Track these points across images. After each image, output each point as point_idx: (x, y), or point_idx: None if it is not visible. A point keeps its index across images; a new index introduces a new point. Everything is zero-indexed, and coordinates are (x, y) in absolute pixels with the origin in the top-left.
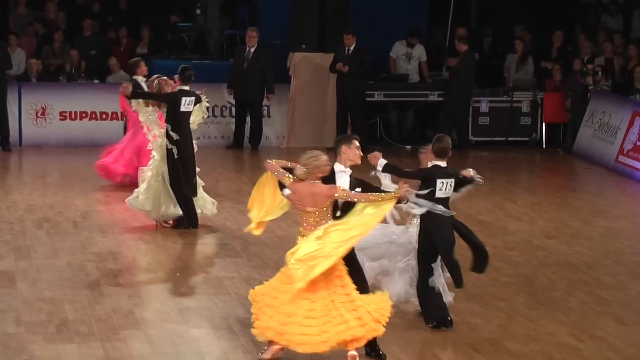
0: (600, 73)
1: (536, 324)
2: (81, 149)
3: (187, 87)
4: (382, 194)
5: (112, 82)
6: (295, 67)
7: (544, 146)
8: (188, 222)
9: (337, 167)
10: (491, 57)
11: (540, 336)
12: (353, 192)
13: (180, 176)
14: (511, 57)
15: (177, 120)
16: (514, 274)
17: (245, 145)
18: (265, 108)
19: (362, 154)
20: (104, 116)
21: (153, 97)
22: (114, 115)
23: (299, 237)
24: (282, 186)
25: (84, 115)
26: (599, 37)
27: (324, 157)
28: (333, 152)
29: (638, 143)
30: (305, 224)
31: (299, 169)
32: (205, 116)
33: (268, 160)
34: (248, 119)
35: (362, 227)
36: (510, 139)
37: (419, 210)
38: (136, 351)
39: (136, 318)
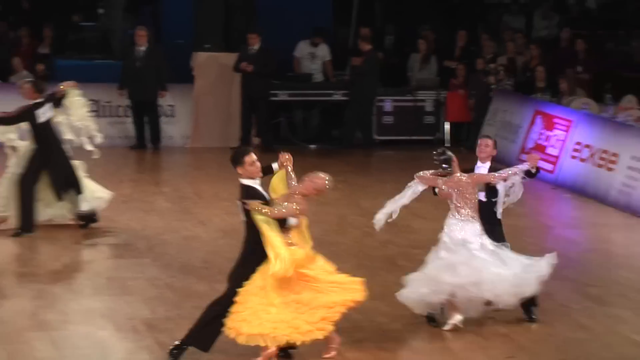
0: (502, 72)
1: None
2: None
3: (41, 99)
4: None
5: (15, 81)
6: (199, 67)
7: (447, 145)
8: (22, 226)
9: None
10: (395, 57)
11: (444, 334)
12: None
13: (32, 180)
14: (414, 57)
15: (39, 132)
16: None
17: (149, 145)
18: (170, 108)
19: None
20: None
21: (6, 122)
22: None
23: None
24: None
25: None
26: (504, 37)
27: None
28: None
29: (540, 141)
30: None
31: None
32: (86, 108)
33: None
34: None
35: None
36: (414, 137)
37: None
38: (40, 354)
39: (40, 320)
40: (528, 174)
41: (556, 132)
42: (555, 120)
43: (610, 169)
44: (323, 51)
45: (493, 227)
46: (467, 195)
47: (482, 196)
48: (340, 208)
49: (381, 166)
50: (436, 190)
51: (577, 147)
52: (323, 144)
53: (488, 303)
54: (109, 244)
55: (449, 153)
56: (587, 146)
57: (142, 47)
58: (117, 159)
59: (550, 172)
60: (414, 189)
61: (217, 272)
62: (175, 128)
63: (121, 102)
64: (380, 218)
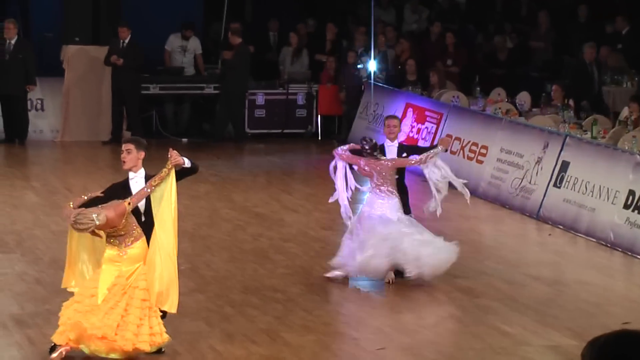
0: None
1: (312, 314)
2: None
3: None
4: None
5: None
6: (68, 60)
7: (319, 138)
8: None
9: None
10: (266, 51)
11: (317, 327)
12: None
13: None
14: (286, 50)
15: None
16: (290, 265)
17: (17, 139)
18: (39, 101)
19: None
20: None
21: None
22: None
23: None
24: None
25: None
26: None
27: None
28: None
29: (411, 134)
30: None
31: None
32: None
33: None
34: None
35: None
36: (286, 131)
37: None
38: None
39: None
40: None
41: (427, 124)
42: (427, 113)
43: (479, 162)
44: (194, 44)
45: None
46: (387, 175)
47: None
48: (211, 201)
49: (252, 159)
50: (355, 167)
51: (448, 139)
52: (194, 138)
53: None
54: None
55: (374, 141)
56: (458, 139)
57: (10, 40)
58: None
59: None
60: (340, 170)
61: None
62: (44, 122)
63: None
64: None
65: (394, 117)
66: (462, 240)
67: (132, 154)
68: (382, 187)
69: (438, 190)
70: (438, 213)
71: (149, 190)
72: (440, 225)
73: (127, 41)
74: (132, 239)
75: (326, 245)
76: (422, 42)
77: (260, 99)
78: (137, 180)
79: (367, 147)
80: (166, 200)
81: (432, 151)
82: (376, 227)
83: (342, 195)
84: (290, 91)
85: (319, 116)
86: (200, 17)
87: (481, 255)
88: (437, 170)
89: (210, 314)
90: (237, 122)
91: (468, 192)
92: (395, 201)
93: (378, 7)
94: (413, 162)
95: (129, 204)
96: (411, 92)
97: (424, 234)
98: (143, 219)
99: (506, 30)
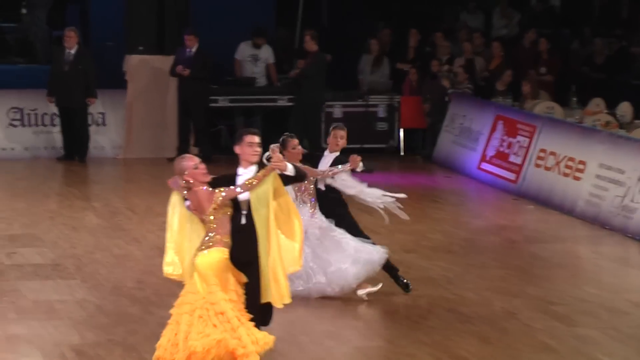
0: (462, 74)
1: (395, 344)
2: None
3: None
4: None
5: None
6: (131, 71)
7: (401, 153)
8: None
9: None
10: (344, 59)
11: (399, 358)
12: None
13: None
14: (365, 58)
15: None
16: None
17: (77, 156)
18: (100, 115)
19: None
20: None
21: None
22: None
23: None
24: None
25: None
26: (460, 37)
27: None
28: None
29: (501, 149)
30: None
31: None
32: None
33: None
34: None
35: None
36: (365, 146)
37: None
38: None
39: None
40: (354, 171)
41: (519, 138)
42: (518, 125)
43: (577, 178)
44: (266, 53)
45: (338, 214)
46: (305, 184)
47: (320, 185)
48: None
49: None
50: None
51: (542, 154)
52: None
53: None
54: (34, 264)
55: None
56: (552, 153)
57: (70, 50)
58: (43, 171)
59: (513, 181)
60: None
61: (152, 294)
62: (106, 137)
63: (47, 110)
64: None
65: (342, 127)
66: (558, 263)
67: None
68: (297, 194)
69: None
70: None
71: (241, 190)
72: (534, 248)
73: (194, 50)
74: (210, 243)
75: (409, 269)
76: (513, 48)
77: (337, 111)
78: (245, 177)
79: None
80: (263, 205)
81: (338, 167)
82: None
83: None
84: (370, 103)
85: (401, 130)
86: (272, 24)
87: (579, 280)
88: (349, 191)
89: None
90: (312, 136)
91: (403, 214)
92: (306, 209)
93: (465, 11)
94: (321, 174)
95: (223, 192)
96: (501, 103)
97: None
98: (244, 221)
99: (604, 35)
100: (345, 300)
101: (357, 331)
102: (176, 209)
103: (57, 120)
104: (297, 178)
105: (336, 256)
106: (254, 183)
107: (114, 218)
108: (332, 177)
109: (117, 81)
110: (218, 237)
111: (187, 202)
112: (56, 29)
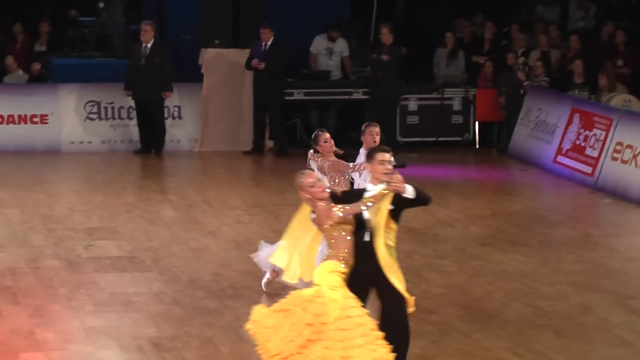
0: (538, 67)
1: (471, 338)
2: None
3: None
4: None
5: (10, 82)
6: (207, 65)
7: (477, 146)
8: None
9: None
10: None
11: (475, 351)
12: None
13: None
14: (440, 52)
15: None
16: (446, 284)
17: (154, 149)
18: (177, 109)
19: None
20: None
21: None
22: (10, 119)
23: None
24: None
25: None
26: (536, 29)
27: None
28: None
29: (577, 142)
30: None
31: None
32: None
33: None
34: None
35: None
36: (441, 139)
37: None
38: None
39: (37, 339)
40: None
41: (595, 131)
42: (595, 118)
43: None
44: (341, 46)
45: None
46: (341, 179)
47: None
48: None
49: (404, 170)
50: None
51: (619, 147)
52: (342, 147)
53: None
54: (111, 257)
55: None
56: (629, 147)
57: (147, 44)
58: (120, 164)
59: (589, 174)
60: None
61: (228, 287)
62: (182, 131)
63: (124, 103)
64: None
65: (377, 124)
66: (635, 257)
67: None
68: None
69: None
70: None
71: (358, 208)
72: (610, 241)
73: (269, 43)
74: (325, 257)
75: (485, 263)
76: (590, 41)
77: (412, 105)
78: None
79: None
80: (378, 224)
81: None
82: None
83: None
84: (445, 96)
85: (477, 123)
86: (347, 17)
87: None
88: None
89: None
90: (388, 129)
91: None
92: None
93: (541, 4)
94: (349, 167)
95: (340, 210)
96: (578, 96)
97: None
98: (367, 238)
99: None
100: (419, 294)
101: (432, 325)
102: (303, 219)
103: (134, 114)
104: (418, 201)
105: None
106: (372, 201)
107: (190, 211)
108: (359, 173)
109: (193, 75)
110: (334, 252)
111: (313, 215)
112: (133, 24)
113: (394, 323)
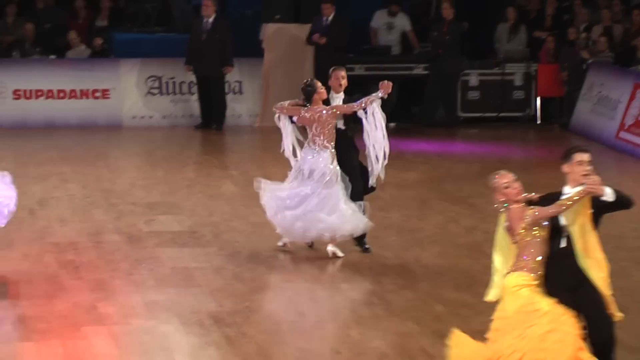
0: (601, 43)
1: None
2: (37, 130)
3: None
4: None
5: (73, 57)
6: (268, 40)
7: (538, 122)
8: None
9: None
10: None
11: None
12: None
13: None
14: (502, 27)
15: None
16: None
17: (214, 124)
18: (237, 84)
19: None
20: (61, 94)
21: None
22: (73, 94)
23: None
24: None
25: (39, 93)
26: (599, 4)
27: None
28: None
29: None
30: None
31: None
32: None
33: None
34: None
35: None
36: (502, 114)
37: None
38: (99, 349)
39: (99, 313)
40: (382, 100)
41: None
42: None
43: None
44: (402, 21)
45: (348, 154)
46: (326, 125)
47: (340, 124)
48: (421, 191)
49: (465, 145)
50: (294, 118)
51: None
52: (402, 122)
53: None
54: (172, 232)
55: (315, 86)
56: None
57: (208, 19)
58: (181, 139)
59: None
60: (282, 121)
61: (289, 262)
62: (243, 106)
63: (185, 78)
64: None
65: (343, 68)
66: None
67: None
68: (317, 139)
69: (377, 158)
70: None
71: (554, 211)
72: None
73: (330, 18)
74: (516, 266)
75: None
76: None
77: (473, 80)
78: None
79: (304, 89)
80: (575, 227)
81: (372, 95)
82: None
83: (286, 142)
84: (506, 71)
85: (538, 98)
86: None
87: None
88: (374, 123)
89: (421, 314)
90: (449, 105)
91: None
92: (326, 154)
93: None
94: (352, 108)
95: (535, 212)
96: None
97: (332, 198)
98: (563, 244)
99: None
100: (481, 270)
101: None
102: (500, 231)
103: (195, 89)
104: (619, 204)
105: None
106: (568, 204)
107: (251, 186)
108: (365, 108)
109: (254, 50)
110: (523, 262)
111: (507, 223)
112: None
113: (599, 332)
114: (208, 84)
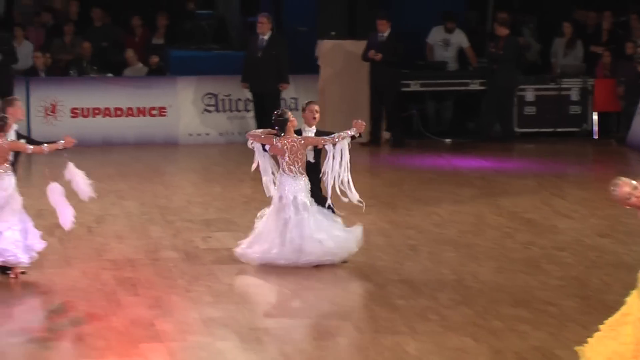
0: None
1: (589, 330)
2: (94, 148)
3: None
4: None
5: (130, 75)
6: (324, 56)
7: (595, 137)
8: None
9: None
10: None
11: None
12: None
13: None
14: (558, 42)
15: None
16: (564, 276)
17: None
18: (293, 100)
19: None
20: (118, 112)
21: None
22: (130, 112)
23: None
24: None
25: (97, 111)
26: None
27: None
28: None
29: None
30: None
31: None
32: None
33: None
34: None
35: None
36: (558, 129)
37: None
38: None
39: (157, 330)
40: (353, 138)
41: None
42: None
43: None
44: (459, 37)
45: (315, 188)
46: (298, 155)
47: (310, 157)
48: (477, 207)
49: (522, 161)
50: (267, 147)
51: None
52: (458, 138)
53: None
54: (229, 248)
55: (287, 116)
56: None
57: (263, 36)
58: (237, 156)
59: None
60: (257, 149)
61: (344, 279)
62: (298, 122)
63: (241, 95)
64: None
65: (316, 102)
66: None
67: None
68: (292, 167)
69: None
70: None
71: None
72: None
73: (386, 35)
74: None
75: (603, 255)
76: None
77: (529, 95)
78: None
79: (275, 119)
80: None
81: (343, 132)
82: (280, 217)
83: (266, 178)
84: (562, 86)
85: (595, 113)
86: (462, 7)
87: None
88: (339, 159)
89: (477, 329)
90: (505, 120)
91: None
92: (303, 182)
93: None
94: (323, 141)
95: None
96: None
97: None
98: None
99: None
100: (537, 286)
101: (550, 317)
102: None
103: (251, 106)
104: None
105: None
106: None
107: None
108: (335, 143)
109: (309, 66)
110: None
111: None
112: (250, 16)
113: None
114: (264, 101)
